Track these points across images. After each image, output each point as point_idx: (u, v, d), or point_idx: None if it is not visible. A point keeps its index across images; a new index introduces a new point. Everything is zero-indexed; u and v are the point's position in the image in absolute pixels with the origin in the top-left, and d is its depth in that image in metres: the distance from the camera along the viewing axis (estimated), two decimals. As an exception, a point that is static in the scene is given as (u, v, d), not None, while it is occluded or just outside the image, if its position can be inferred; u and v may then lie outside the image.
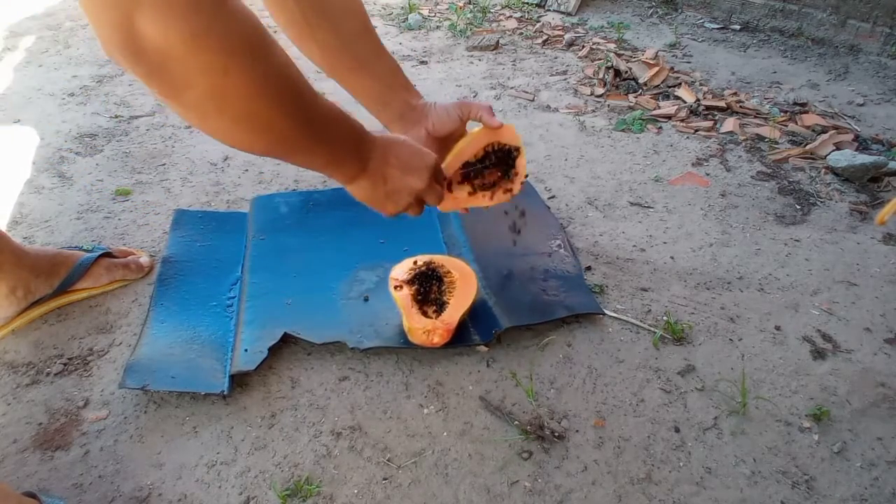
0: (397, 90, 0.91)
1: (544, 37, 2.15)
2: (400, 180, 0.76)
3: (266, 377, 0.91)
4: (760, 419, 0.87)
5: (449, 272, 0.99)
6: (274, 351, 0.91)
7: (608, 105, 1.70)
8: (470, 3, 2.45)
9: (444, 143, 0.92)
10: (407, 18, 2.26)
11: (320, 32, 0.84)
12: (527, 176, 0.94)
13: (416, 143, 0.80)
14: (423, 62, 1.96)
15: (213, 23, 0.48)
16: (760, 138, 1.55)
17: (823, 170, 1.42)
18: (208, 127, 0.56)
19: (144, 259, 1.09)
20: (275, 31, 0.61)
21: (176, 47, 0.47)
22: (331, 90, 0.67)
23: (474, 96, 1.75)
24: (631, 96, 1.75)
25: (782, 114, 1.65)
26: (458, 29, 2.19)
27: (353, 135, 0.70)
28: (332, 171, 0.71)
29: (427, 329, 0.91)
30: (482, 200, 0.95)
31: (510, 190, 0.95)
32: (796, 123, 1.61)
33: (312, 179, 1.35)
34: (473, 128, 0.93)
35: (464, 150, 0.91)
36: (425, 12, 2.35)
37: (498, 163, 0.94)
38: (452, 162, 0.89)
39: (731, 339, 0.99)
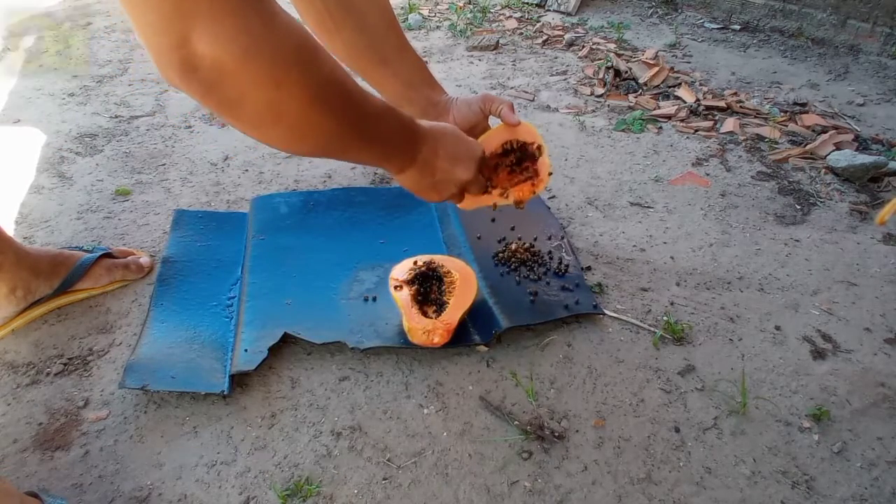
0: (420, 87, 0.92)
1: (544, 37, 2.15)
2: (448, 172, 0.78)
3: (266, 377, 0.91)
4: (760, 419, 0.87)
5: (449, 272, 0.99)
6: (274, 351, 0.91)
7: (608, 105, 1.70)
8: (470, 3, 2.45)
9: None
10: (407, 18, 2.26)
11: (346, 31, 0.86)
12: (550, 174, 0.94)
13: (462, 133, 0.81)
14: (423, 62, 1.96)
15: (263, 39, 0.50)
16: (760, 138, 1.55)
17: (823, 170, 1.42)
18: (265, 136, 0.58)
19: (144, 259, 1.09)
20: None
21: (229, 65, 0.49)
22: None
23: (474, 96, 1.75)
24: (631, 96, 1.75)
25: (782, 114, 1.65)
26: (458, 29, 2.19)
27: (403, 129, 0.72)
28: (383, 164, 0.74)
29: (427, 329, 0.91)
30: (506, 198, 0.94)
31: (534, 189, 0.95)
32: (796, 123, 1.61)
33: (312, 179, 1.35)
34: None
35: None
36: (425, 12, 2.35)
37: (522, 160, 0.94)
38: None
39: (731, 339, 0.99)
